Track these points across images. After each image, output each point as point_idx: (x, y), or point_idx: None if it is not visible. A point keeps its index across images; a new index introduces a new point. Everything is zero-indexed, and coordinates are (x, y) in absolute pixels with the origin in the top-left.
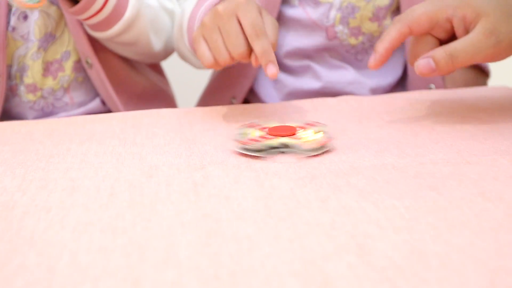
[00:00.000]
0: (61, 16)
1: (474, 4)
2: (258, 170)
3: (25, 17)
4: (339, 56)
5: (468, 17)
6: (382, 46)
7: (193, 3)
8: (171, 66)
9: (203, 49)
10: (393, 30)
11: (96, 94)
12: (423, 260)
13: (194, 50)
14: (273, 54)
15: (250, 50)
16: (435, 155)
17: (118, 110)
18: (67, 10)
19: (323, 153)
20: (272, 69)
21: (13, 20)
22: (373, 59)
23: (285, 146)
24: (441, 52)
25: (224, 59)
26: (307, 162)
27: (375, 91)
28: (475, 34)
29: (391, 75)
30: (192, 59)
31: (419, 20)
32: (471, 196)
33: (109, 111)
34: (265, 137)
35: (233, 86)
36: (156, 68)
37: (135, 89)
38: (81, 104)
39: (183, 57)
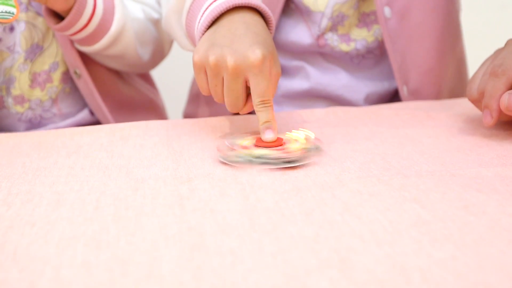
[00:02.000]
0: (48, 27)
1: None
2: (244, 183)
3: (11, 29)
4: (333, 60)
5: None
6: (496, 103)
7: None
8: (161, 75)
9: (202, 80)
10: (501, 85)
11: (84, 105)
12: (405, 274)
13: (190, 37)
14: (275, 123)
15: (244, 104)
16: (420, 167)
17: (106, 120)
18: (52, 27)
19: (307, 164)
20: (269, 135)
21: None
22: (490, 118)
23: (259, 157)
24: None
25: (219, 101)
26: (293, 174)
27: (370, 97)
28: None
29: (388, 80)
30: (179, 38)
31: None
32: (454, 209)
33: (97, 121)
34: (247, 147)
35: None
36: (145, 77)
37: (123, 99)
38: (69, 115)
39: (170, 29)
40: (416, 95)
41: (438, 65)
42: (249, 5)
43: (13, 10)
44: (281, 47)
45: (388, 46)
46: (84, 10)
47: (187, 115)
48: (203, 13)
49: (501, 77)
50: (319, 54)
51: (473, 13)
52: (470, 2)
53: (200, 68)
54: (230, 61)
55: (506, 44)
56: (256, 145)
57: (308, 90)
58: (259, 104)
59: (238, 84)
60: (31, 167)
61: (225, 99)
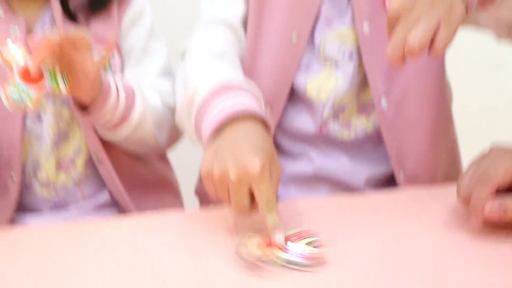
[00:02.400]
0: (73, 116)
1: None
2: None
3: (39, 118)
4: (335, 145)
5: None
6: (481, 211)
7: (209, 87)
8: (174, 150)
9: (210, 187)
10: (485, 194)
11: (103, 185)
12: None
13: (199, 137)
14: (281, 226)
15: (251, 207)
16: (414, 272)
17: (124, 201)
18: (77, 115)
19: (313, 265)
20: (278, 239)
21: (28, 123)
22: (476, 223)
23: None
24: None
25: (228, 205)
26: (300, 278)
27: (370, 180)
28: None
29: (386, 164)
30: (190, 134)
31: (505, 179)
32: None
33: (116, 201)
34: (265, 250)
35: None
36: (160, 156)
37: (140, 179)
38: (91, 197)
39: (183, 126)
40: (412, 180)
41: (432, 152)
42: (248, 114)
43: (29, 104)
44: (286, 132)
45: (385, 134)
46: (107, 102)
47: (199, 191)
48: (207, 121)
49: (485, 186)
50: (322, 140)
51: (468, 75)
52: (466, 64)
53: (208, 178)
54: (232, 174)
55: (490, 151)
56: (268, 245)
57: (312, 174)
58: (264, 209)
59: (242, 193)
60: (63, 264)
61: (232, 204)
